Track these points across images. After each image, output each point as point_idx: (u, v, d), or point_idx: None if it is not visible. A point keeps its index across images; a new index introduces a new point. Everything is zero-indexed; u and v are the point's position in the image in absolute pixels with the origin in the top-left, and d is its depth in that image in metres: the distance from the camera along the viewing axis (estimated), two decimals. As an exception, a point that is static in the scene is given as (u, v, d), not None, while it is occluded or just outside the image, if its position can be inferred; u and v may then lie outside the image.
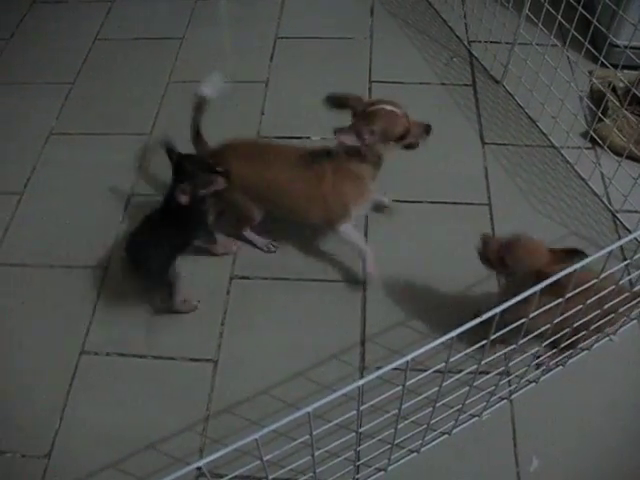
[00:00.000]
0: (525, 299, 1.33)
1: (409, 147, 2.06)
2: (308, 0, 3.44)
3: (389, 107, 1.97)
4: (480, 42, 3.04)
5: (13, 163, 2.72)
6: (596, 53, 2.41)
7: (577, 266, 1.35)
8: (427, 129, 2.02)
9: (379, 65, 3.05)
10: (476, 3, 3.12)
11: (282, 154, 2.15)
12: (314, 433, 1.31)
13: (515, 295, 1.33)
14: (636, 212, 2.36)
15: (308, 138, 2.72)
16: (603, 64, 2.42)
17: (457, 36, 3.18)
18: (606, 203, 2.45)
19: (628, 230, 2.36)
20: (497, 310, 1.30)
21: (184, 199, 1.93)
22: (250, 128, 2.74)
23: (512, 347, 1.62)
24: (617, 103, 2.51)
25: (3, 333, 2.21)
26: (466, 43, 3.14)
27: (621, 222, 2.39)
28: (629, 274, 1.97)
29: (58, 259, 2.37)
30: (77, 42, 3.26)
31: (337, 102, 2.04)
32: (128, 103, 2.94)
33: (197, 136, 2.19)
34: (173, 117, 2.84)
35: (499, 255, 1.77)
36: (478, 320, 1.29)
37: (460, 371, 1.63)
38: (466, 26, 3.22)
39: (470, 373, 1.60)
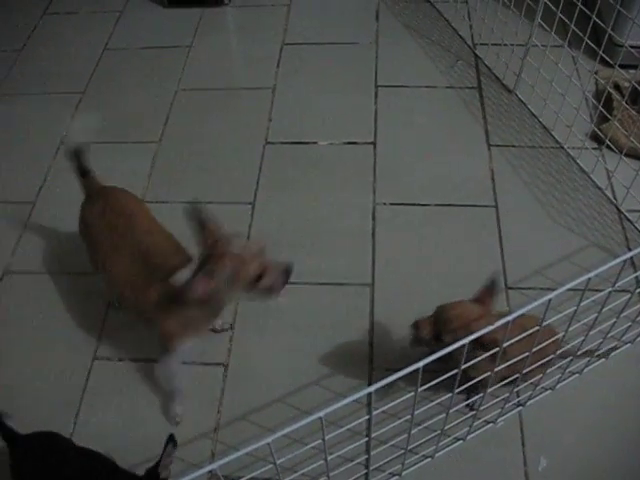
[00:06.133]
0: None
1: (267, 292, 1.73)
2: (314, 7, 3.46)
3: (237, 251, 1.66)
4: (487, 45, 3.03)
5: (23, 173, 2.76)
6: (599, 51, 2.40)
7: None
8: (287, 271, 1.74)
9: (385, 69, 3.07)
10: (482, 6, 3.11)
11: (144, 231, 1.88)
12: (326, 438, 1.32)
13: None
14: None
15: (315, 143, 2.75)
16: (608, 63, 2.44)
17: (462, 38, 3.20)
18: (622, 210, 2.44)
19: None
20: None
21: None
22: (258, 135, 2.76)
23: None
24: (623, 102, 2.50)
25: (20, 339, 2.24)
26: (471, 45, 3.15)
27: (635, 227, 2.39)
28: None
29: (71, 266, 2.40)
30: (87, 52, 3.29)
31: (197, 219, 1.68)
32: (137, 111, 2.97)
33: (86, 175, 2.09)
34: (182, 125, 2.87)
35: (434, 334, 1.69)
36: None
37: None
38: (471, 28, 3.23)
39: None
